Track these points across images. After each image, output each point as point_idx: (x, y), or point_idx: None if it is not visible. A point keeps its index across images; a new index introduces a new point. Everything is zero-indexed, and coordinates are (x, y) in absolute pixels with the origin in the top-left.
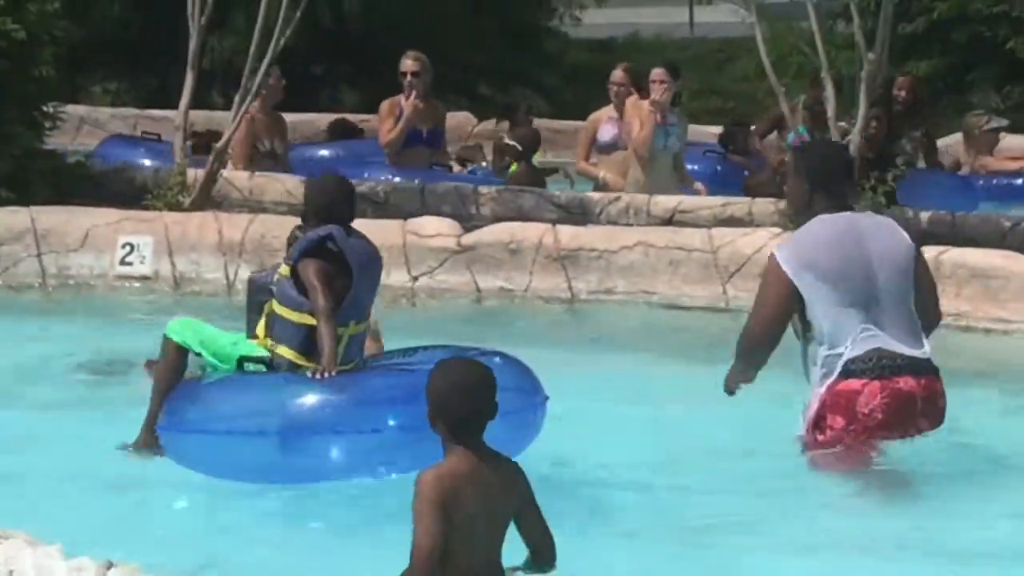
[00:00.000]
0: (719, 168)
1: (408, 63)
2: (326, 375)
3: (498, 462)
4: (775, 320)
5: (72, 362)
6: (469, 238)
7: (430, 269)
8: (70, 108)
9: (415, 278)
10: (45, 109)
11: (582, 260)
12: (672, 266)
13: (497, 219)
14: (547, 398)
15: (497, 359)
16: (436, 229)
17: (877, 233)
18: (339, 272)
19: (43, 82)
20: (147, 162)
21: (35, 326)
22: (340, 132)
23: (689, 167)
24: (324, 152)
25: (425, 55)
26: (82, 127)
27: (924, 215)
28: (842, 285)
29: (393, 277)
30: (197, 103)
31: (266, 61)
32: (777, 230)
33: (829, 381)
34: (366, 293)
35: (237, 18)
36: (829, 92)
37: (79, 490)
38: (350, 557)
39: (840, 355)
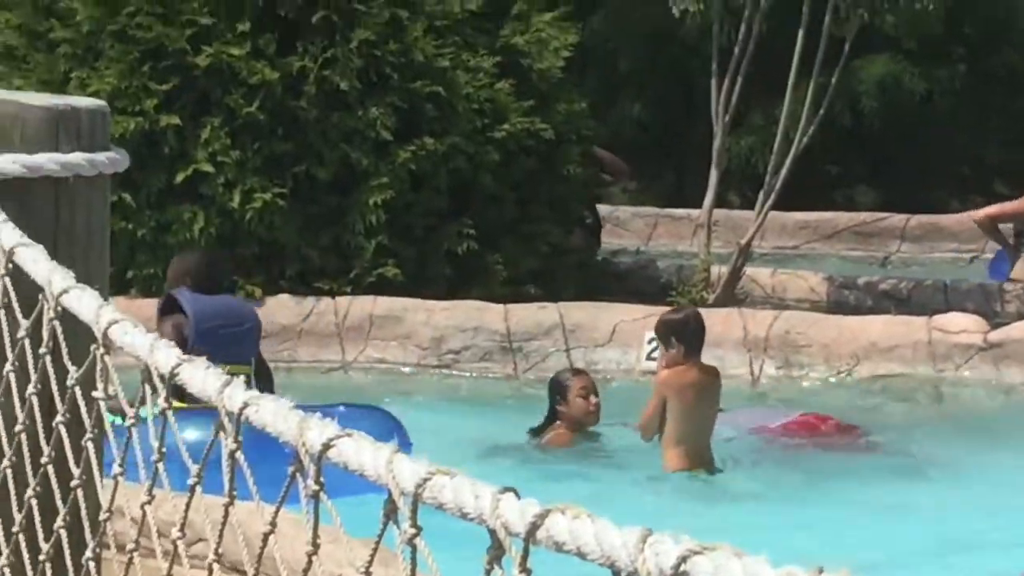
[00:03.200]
0: None
1: None
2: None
3: None
4: None
5: None
6: (996, 335)
7: (956, 366)
8: None
9: (941, 371)
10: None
11: None
12: None
13: (1023, 316)
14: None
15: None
16: (962, 326)
17: None
18: (184, 324)
19: (571, 180)
20: None
21: None
22: None
23: None
24: None
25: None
26: (604, 226)
27: None
28: None
29: (920, 371)
30: (715, 202)
31: (788, 160)
32: None
33: None
34: (222, 343)
35: (755, 117)
36: None
37: None
38: None
39: None
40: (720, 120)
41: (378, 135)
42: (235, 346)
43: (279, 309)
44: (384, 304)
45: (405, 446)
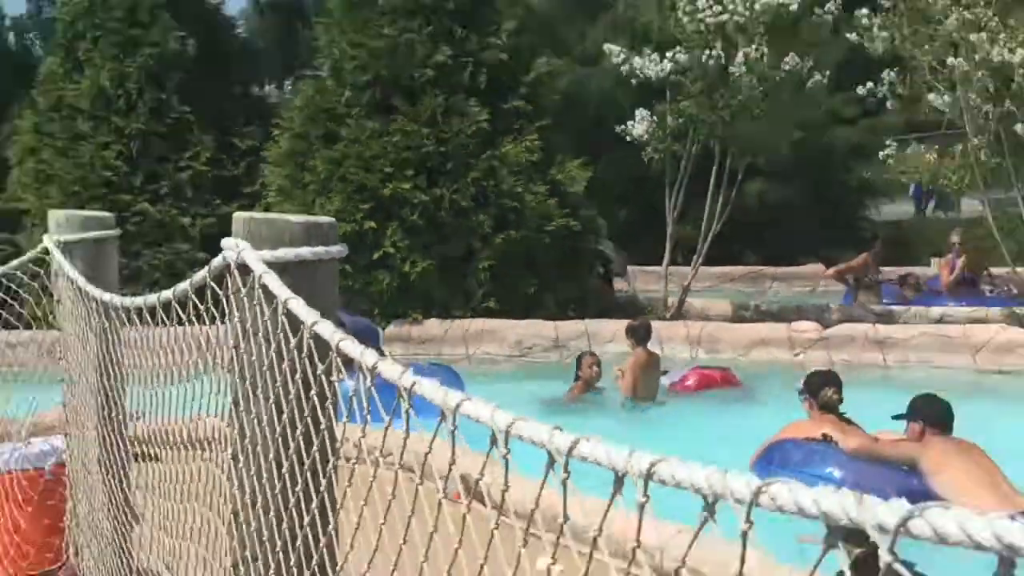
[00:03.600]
0: None
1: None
2: None
3: None
4: None
5: None
6: (826, 333)
7: (804, 350)
8: None
9: (796, 354)
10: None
11: (891, 343)
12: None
13: (842, 321)
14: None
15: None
16: (807, 328)
17: None
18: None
19: (590, 254)
20: None
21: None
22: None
23: None
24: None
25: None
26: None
27: None
28: None
29: (784, 355)
30: (670, 262)
31: (709, 238)
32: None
33: None
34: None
35: (691, 214)
36: None
37: None
38: None
39: None
40: (671, 216)
41: (484, 230)
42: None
43: (432, 328)
44: (489, 323)
45: (462, 387)
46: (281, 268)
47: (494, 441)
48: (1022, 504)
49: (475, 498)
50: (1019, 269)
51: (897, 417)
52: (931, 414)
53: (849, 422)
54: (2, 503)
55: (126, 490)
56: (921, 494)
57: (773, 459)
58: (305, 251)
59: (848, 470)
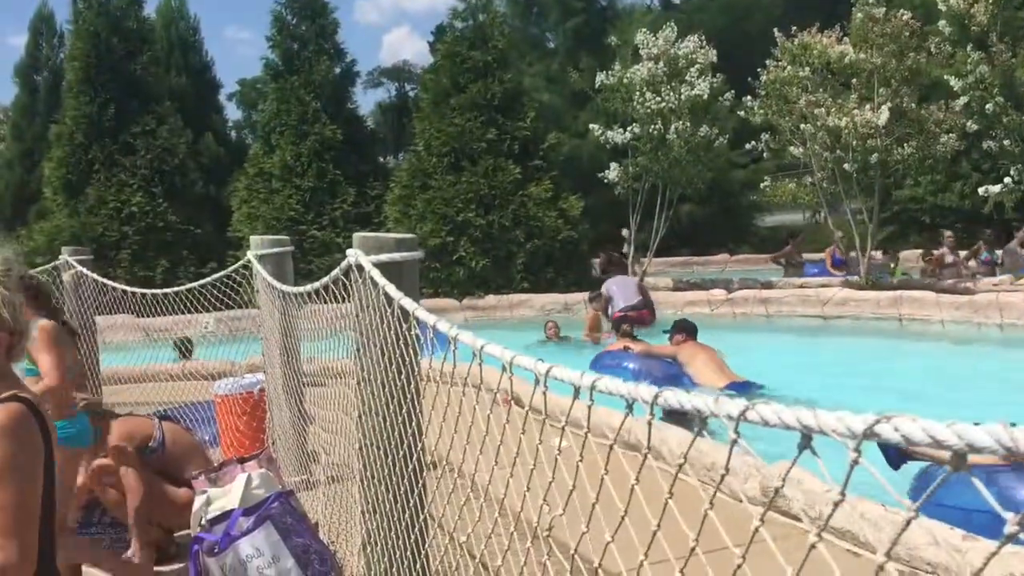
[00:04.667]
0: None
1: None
2: None
3: None
4: None
5: None
6: (732, 296)
7: (715, 308)
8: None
9: (712, 310)
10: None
11: (771, 300)
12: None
13: (739, 288)
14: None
15: None
16: (719, 294)
17: None
18: None
19: (587, 254)
20: None
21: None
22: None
23: None
24: None
25: (713, 234)
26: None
27: None
28: None
29: (704, 309)
30: (633, 255)
31: (657, 240)
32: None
33: None
34: None
35: (645, 226)
36: None
37: None
38: None
39: None
40: (634, 227)
41: (519, 240)
42: None
43: (490, 300)
44: (524, 296)
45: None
46: (382, 266)
47: (504, 368)
48: (736, 377)
49: (513, 401)
50: (851, 254)
51: (666, 331)
52: (685, 329)
53: (636, 339)
54: (229, 413)
55: (300, 404)
56: (679, 375)
57: (599, 362)
58: (396, 256)
59: (638, 363)
